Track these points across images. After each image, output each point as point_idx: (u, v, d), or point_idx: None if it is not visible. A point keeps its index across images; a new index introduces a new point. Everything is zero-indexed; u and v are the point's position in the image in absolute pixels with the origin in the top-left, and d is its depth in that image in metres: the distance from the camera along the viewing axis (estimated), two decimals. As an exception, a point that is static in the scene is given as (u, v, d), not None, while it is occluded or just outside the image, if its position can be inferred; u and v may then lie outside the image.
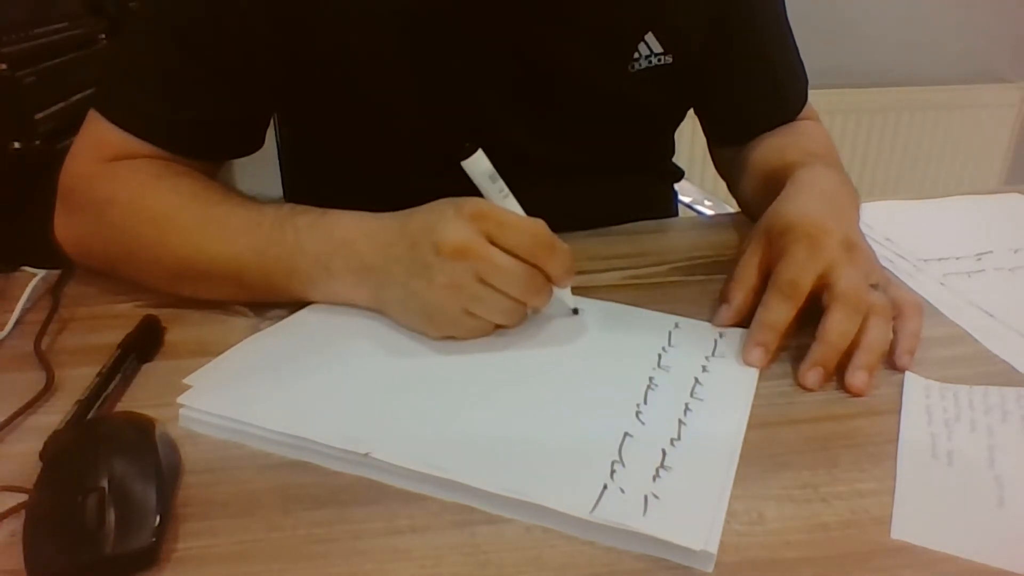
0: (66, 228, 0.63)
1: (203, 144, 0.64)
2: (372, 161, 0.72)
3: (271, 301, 0.58)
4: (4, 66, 1.16)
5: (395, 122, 0.69)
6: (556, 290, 0.54)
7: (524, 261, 0.51)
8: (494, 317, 0.52)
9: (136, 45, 0.65)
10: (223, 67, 0.62)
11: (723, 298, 0.57)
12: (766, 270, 0.56)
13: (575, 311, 0.57)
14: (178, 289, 0.59)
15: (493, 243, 0.50)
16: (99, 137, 0.63)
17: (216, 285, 0.58)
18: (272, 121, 0.89)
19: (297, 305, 0.57)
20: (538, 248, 0.51)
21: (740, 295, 0.56)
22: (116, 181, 0.61)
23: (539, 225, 0.52)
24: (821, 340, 0.51)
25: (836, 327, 0.50)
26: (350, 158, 0.74)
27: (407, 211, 0.54)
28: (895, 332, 0.53)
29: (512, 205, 0.53)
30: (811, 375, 0.50)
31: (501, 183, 0.52)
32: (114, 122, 0.62)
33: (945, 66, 2.03)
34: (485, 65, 0.67)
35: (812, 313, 0.52)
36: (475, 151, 0.51)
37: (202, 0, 0.61)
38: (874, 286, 0.53)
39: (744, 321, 0.55)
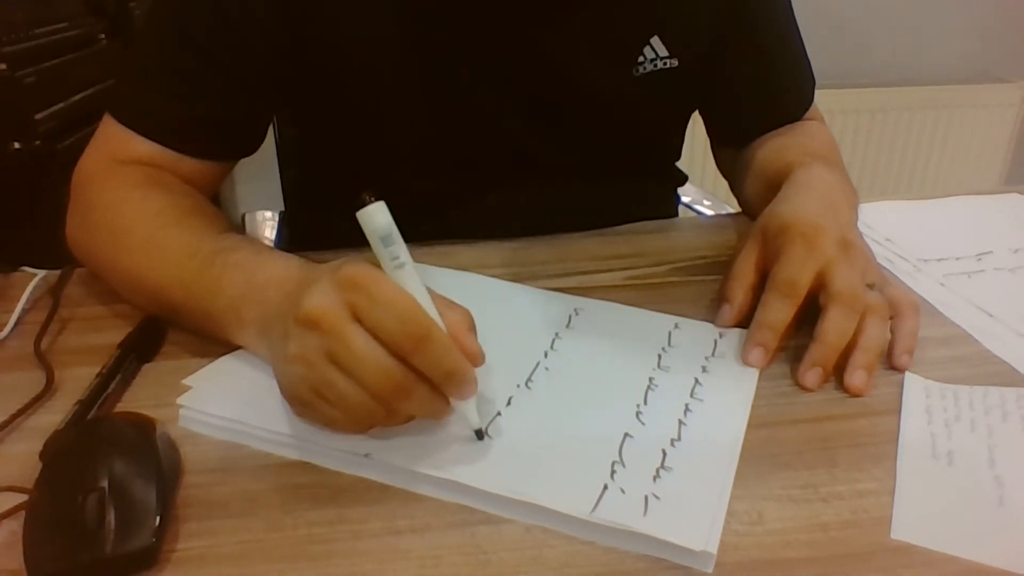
0: (68, 225, 0.64)
1: (207, 143, 0.65)
2: (374, 163, 0.72)
3: (208, 337, 0.53)
4: (4, 66, 1.16)
5: (398, 124, 0.69)
6: (456, 403, 0.43)
7: (391, 350, 0.40)
8: (344, 409, 0.41)
9: (144, 46, 0.66)
10: (228, 67, 0.63)
11: (723, 298, 0.57)
12: (763, 269, 0.56)
13: (479, 434, 0.44)
14: (136, 303, 0.59)
15: (360, 319, 0.40)
16: (109, 137, 0.63)
17: (159, 309, 0.56)
18: (272, 122, 0.89)
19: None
20: (405, 336, 0.39)
21: (741, 293, 0.56)
22: (102, 188, 0.61)
23: (424, 311, 0.40)
24: (819, 340, 0.51)
25: (833, 326, 0.50)
26: (352, 159, 0.74)
27: (322, 264, 0.46)
28: (892, 332, 0.53)
29: (406, 279, 0.41)
30: (810, 375, 0.50)
31: (399, 248, 0.41)
32: (121, 121, 0.63)
33: (945, 66, 2.02)
34: (489, 67, 0.67)
35: (810, 313, 0.52)
36: (372, 203, 0.41)
37: (208, 1, 0.61)
38: (871, 286, 0.53)
39: (745, 321, 0.55)
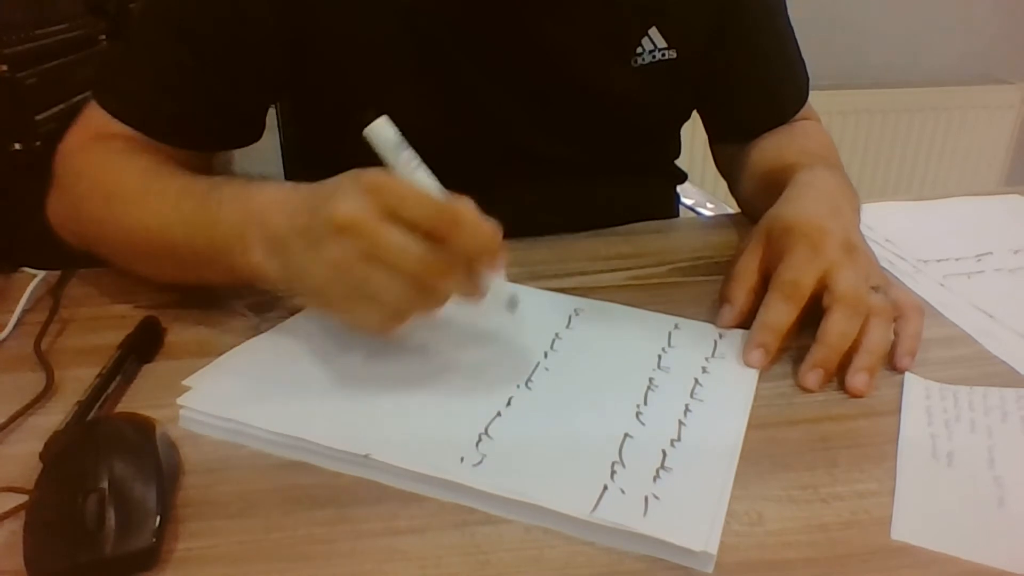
0: (51, 204, 0.64)
1: (195, 135, 0.65)
2: (375, 158, 0.72)
3: (206, 276, 0.56)
4: (5, 67, 1.16)
5: (397, 118, 0.69)
6: (489, 277, 0.48)
7: (428, 238, 0.44)
8: (388, 299, 0.45)
9: (135, 36, 0.66)
10: (218, 60, 0.63)
11: (724, 298, 0.57)
12: (765, 270, 0.56)
13: (512, 303, 0.49)
14: (132, 266, 0.60)
15: (392, 217, 0.44)
16: (94, 123, 0.64)
17: (156, 260, 0.58)
18: (276, 117, 0.90)
19: (296, 306, 0.57)
20: (441, 221, 0.44)
21: (742, 295, 0.56)
22: (86, 157, 0.62)
23: (446, 198, 0.46)
24: (821, 341, 0.50)
25: (836, 328, 0.50)
26: (353, 154, 0.74)
27: (324, 180, 0.49)
28: (896, 333, 0.53)
29: (423, 178, 0.47)
30: (811, 376, 0.50)
31: (410, 153, 0.47)
32: (108, 111, 0.63)
33: (945, 67, 2.03)
34: (487, 60, 0.67)
35: (812, 315, 0.52)
36: (377, 118, 0.46)
37: None
38: (875, 288, 0.53)
39: (746, 322, 0.55)
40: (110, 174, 0.60)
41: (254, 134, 0.70)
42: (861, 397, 0.50)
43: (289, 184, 0.52)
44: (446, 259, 0.45)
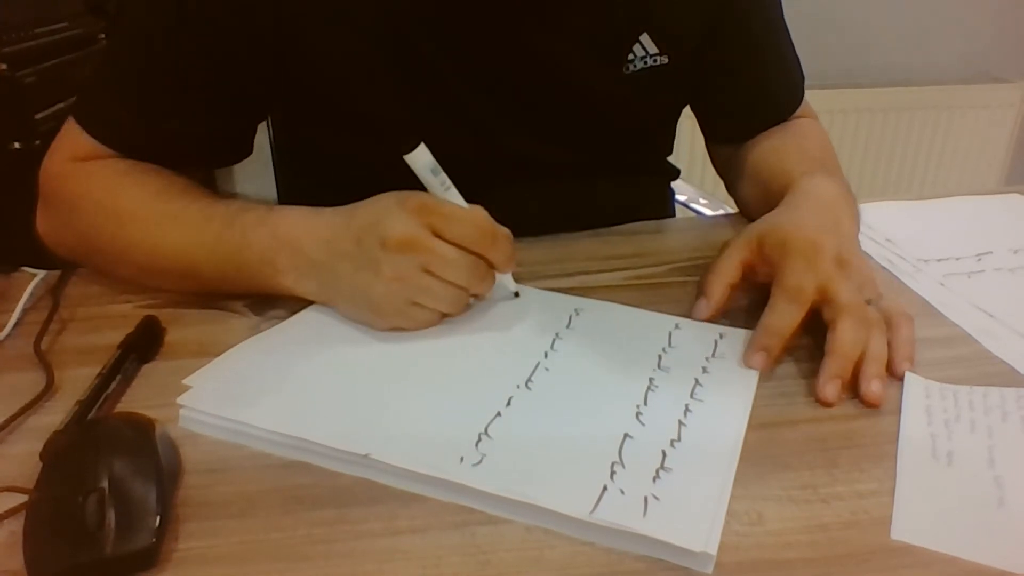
0: (44, 224, 0.65)
1: (179, 157, 0.65)
2: (365, 166, 0.72)
3: (231, 292, 0.59)
4: (4, 66, 1.16)
5: (387, 128, 0.69)
6: (498, 276, 0.56)
7: (468, 251, 0.52)
8: (440, 306, 0.54)
9: (114, 57, 0.66)
10: (199, 81, 0.62)
11: (702, 291, 0.57)
12: (747, 272, 0.56)
13: (516, 294, 0.60)
14: (146, 281, 0.62)
15: (438, 235, 0.51)
16: (75, 142, 0.64)
17: (176, 279, 0.60)
18: (267, 124, 0.89)
19: (296, 305, 0.57)
20: (482, 239, 0.53)
21: (719, 290, 0.56)
22: (86, 179, 0.62)
23: (481, 216, 0.54)
24: (835, 352, 0.50)
25: (847, 337, 0.50)
26: (343, 163, 0.74)
27: (350, 206, 0.55)
28: (889, 343, 0.53)
29: (454, 197, 0.54)
30: (830, 388, 0.49)
31: (443, 176, 0.54)
32: (91, 134, 0.63)
33: (945, 66, 2.03)
34: (478, 69, 0.66)
35: (805, 324, 0.52)
36: (417, 145, 0.52)
37: (179, 12, 0.61)
38: (868, 301, 0.53)
39: (725, 318, 0.55)
40: (120, 197, 0.61)
41: (243, 151, 0.70)
42: (877, 406, 0.49)
43: (310, 210, 0.57)
44: (484, 268, 0.54)
